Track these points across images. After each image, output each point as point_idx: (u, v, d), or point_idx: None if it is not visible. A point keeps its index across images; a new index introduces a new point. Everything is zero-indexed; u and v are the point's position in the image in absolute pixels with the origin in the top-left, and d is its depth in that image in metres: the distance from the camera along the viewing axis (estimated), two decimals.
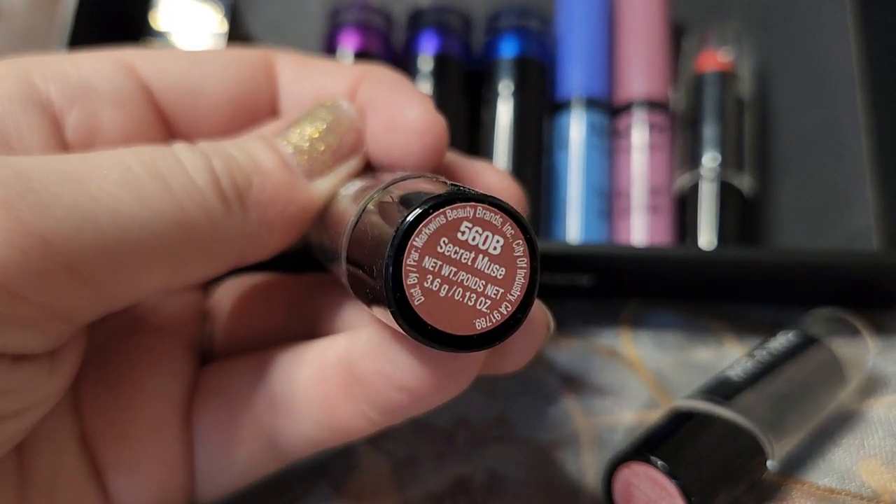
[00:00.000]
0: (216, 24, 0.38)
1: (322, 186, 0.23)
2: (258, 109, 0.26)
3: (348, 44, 0.38)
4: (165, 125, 0.25)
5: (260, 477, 0.25)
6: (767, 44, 0.40)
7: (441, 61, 0.37)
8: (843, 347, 0.28)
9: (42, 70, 0.24)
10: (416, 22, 0.38)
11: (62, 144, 0.23)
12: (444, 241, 0.18)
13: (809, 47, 0.40)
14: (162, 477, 0.24)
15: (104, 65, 0.24)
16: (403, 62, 0.38)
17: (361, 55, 0.37)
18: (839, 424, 0.28)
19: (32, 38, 0.37)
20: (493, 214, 0.18)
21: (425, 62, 0.37)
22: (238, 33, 0.40)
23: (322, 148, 0.23)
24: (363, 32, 0.38)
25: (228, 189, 0.22)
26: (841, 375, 0.28)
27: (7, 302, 0.18)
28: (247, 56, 0.26)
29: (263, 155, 0.23)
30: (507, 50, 0.37)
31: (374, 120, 0.24)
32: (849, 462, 0.27)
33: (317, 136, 0.24)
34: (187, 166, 0.21)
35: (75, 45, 0.36)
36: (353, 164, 0.24)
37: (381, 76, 0.26)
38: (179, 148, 0.22)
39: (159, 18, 0.38)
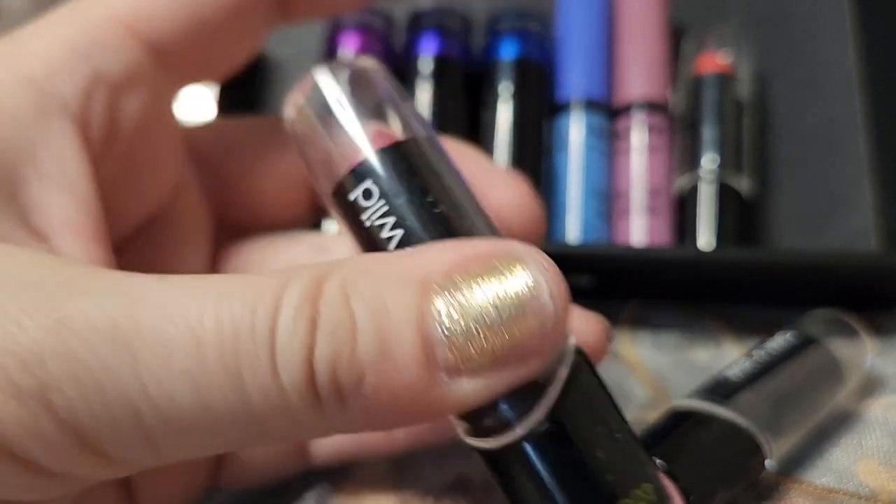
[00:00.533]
0: None
1: (465, 389, 0.17)
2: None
3: (349, 45, 0.38)
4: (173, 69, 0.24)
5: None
6: (766, 46, 0.40)
7: (441, 63, 0.37)
8: (841, 348, 0.28)
9: (47, 67, 0.21)
10: (417, 24, 0.39)
11: (89, 145, 0.22)
12: None
13: (808, 49, 0.40)
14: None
15: (103, 34, 0.22)
16: (403, 64, 0.38)
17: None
18: (837, 425, 0.28)
19: None
20: None
21: (425, 64, 0.37)
22: None
23: (484, 347, 0.17)
24: (363, 34, 0.38)
25: (325, 388, 0.16)
26: (839, 376, 0.28)
27: (6, 464, 0.16)
28: None
29: (401, 338, 0.16)
30: (507, 52, 0.37)
31: None
32: (847, 462, 0.27)
33: (484, 327, 0.17)
34: (278, 361, 0.16)
35: None
36: (524, 374, 0.17)
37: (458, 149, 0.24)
38: (284, 321, 0.16)
39: None
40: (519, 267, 0.17)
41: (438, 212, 0.19)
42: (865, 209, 0.37)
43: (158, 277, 0.17)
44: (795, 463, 0.27)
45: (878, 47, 0.39)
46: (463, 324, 0.16)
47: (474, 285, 0.17)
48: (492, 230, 0.20)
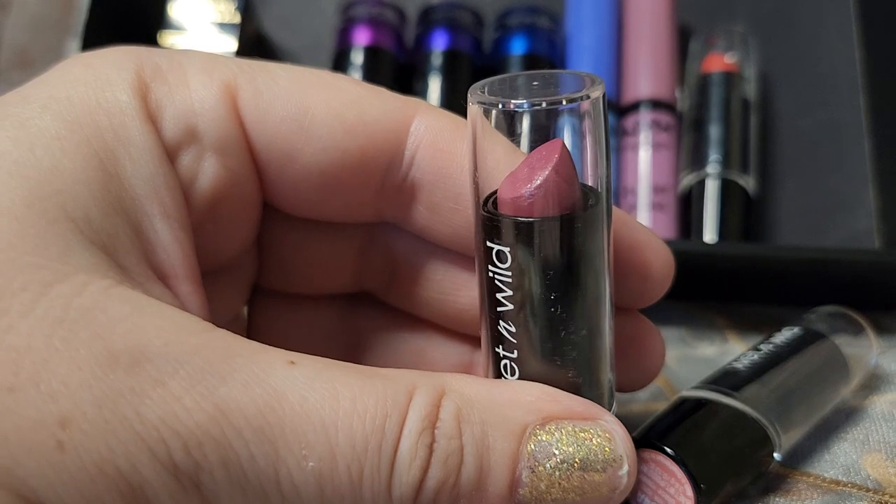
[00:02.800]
0: (229, 16, 0.39)
1: None
2: (368, 176, 0.23)
3: (360, 39, 0.38)
4: (258, 175, 0.23)
5: None
6: (772, 46, 0.40)
7: (451, 57, 0.37)
8: (847, 344, 0.29)
9: (158, 92, 0.21)
10: (428, 18, 0.39)
11: (180, 186, 0.21)
12: None
13: (813, 51, 0.40)
14: None
15: (211, 97, 0.22)
16: (414, 58, 0.38)
17: (373, 50, 0.38)
18: (843, 420, 0.28)
19: (44, 26, 0.37)
20: None
21: (436, 58, 0.37)
22: (251, 27, 0.40)
23: (558, 497, 0.20)
24: (375, 28, 0.38)
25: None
26: (845, 371, 0.28)
27: None
28: (371, 119, 0.22)
29: (495, 475, 0.19)
30: (517, 47, 0.38)
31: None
32: (854, 456, 0.27)
33: (563, 479, 0.19)
34: (394, 477, 0.19)
35: (90, 34, 0.36)
36: None
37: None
38: (406, 444, 0.19)
39: (174, 10, 0.39)
40: (608, 437, 0.20)
41: (557, 314, 0.20)
42: (868, 210, 0.37)
43: (291, 362, 0.19)
44: (803, 456, 0.27)
45: (883, 49, 0.40)
46: (546, 472, 0.19)
47: (565, 440, 0.19)
48: (602, 351, 0.21)
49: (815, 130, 0.39)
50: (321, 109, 0.22)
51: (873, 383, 0.30)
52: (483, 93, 0.20)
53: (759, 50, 0.39)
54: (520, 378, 0.21)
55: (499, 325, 0.20)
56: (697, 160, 0.36)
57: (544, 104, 0.19)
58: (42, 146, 0.19)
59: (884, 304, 0.34)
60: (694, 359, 0.32)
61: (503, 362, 0.21)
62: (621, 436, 0.20)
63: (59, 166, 0.19)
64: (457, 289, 0.24)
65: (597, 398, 0.21)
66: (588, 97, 0.19)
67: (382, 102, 0.23)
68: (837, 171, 0.38)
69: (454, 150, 0.22)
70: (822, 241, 0.37)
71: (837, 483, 0.26)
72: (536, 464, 0.19)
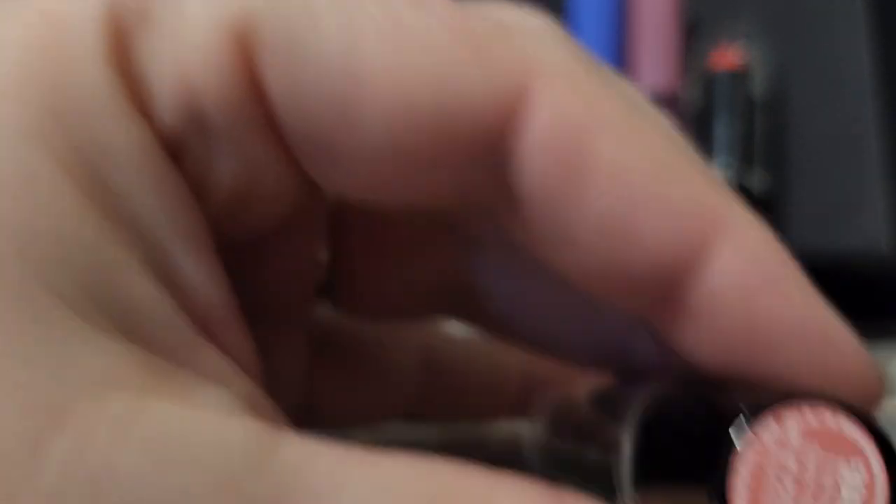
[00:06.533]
0: None
1: None
2: (445, 162, 0.15)
3: None
4: (293, 168, 0.16)
5: None
6: (781, 43, 0.40)
7: None
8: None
9: (142, 54, 0.14)
10: None
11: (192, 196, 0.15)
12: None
13: (823, 48, 0.40)
14: None
15: (222, 63, 0.14)
16: None
17: None
18: None
19: None
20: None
21: None
22: None
23: None
24: None
25: None
26: None
27: None
28: (462, 98, 0.14)
29: None
30: None
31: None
32: None
33: None
34: None
35: None
36: None
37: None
38: None
39: None
40: None
41: None
42: (880, 210, 0.36)
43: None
44: None
45: (895, 47, 0.39)
46: None
47: None
48: None
49: (825, 129, 0.38)
50: (384, 81, 0.14)
51: (888, 385, 0.29)
52: None
53: (768, 46, 0.39)
54: None
55: None
56: (703, 159, 0.36)
57: None
58: None
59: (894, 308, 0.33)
60: None
61: None
62: None
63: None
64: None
65: None
66: None
67: (482, 69, 0.14)
68: (849, 171, 0.37)
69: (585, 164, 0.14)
70: (832, 243, 0.36)
71: None
72: None
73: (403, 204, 0.16)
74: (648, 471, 0.14)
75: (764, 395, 0.13)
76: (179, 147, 0.14)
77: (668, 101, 0.37)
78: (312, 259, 0.19)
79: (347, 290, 0.20)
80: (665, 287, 0.15)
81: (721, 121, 0.36)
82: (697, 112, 0.37)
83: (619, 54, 0.38)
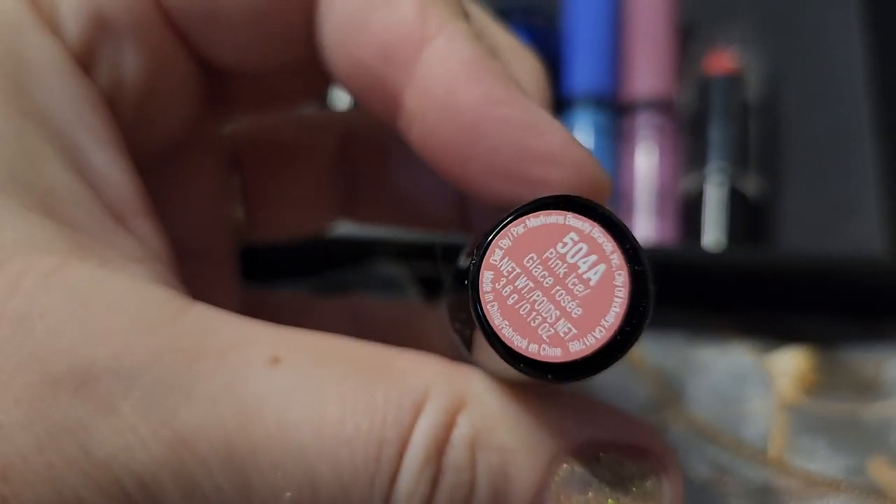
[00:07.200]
0: None
1: None
2: (290, 23, 0.18)
3: None
4: (187, 49, 0.19)
5: None
6: (775, 47, 0.40)
7: None
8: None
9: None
10: None
11: (104, 99, 0.18)
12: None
13: (818, 52, 0.40)
14: None
15: None
16: None
17: None
18: (848, 423, 0.28)
19: None
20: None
21: None
22: None
23: None
24: None
25: None
26: None
27: None
28: None
29: None
30: None
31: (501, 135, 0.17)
32: (856, 459, 0.27)
33: None
34: None
35: None
36: None
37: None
38: (406, 477, 0.15)
39: None
40: (655, 477, 0.16)
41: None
42: (873, 215, 0.36)
43: (275, 359, 0.15)
44: (804, 456, 0.27)
45: (888, 51, 0.39)
46: None
47: (603, 474, 0.15)
48: None
49: (819, 133, 0.38)
50: None
51: (881, 388, 0.30)
52: None
53: (763, 50, 0.39)
54: None
55: None
56: (698, 163, 0.36)
57: None
58: None
59: (889, 310, 0.33)
60: (693, 364, 0.31)
61: None
62: (674, 474, 0.16)
63: None
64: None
65: None
66: None
67: None
68: (843, 175, 0.37)
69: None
70: (827, 246, 0.36)
71: (839, 484, 0.26)
72: (565, 499, 0.15)
73: (270, 68, 0.20)
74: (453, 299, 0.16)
75: (497, 220, 0.14)
76: (90, 55, 0.17)
77: (663, 105, 0.37)
78: (223, 184, 0.22)
79: (255, 215, 0.23)
80: (389, 77, 0.17)
81: (716, 125, 0.36)
82: (692, 116, 0.37)
83: (615, 59, 0.38)
